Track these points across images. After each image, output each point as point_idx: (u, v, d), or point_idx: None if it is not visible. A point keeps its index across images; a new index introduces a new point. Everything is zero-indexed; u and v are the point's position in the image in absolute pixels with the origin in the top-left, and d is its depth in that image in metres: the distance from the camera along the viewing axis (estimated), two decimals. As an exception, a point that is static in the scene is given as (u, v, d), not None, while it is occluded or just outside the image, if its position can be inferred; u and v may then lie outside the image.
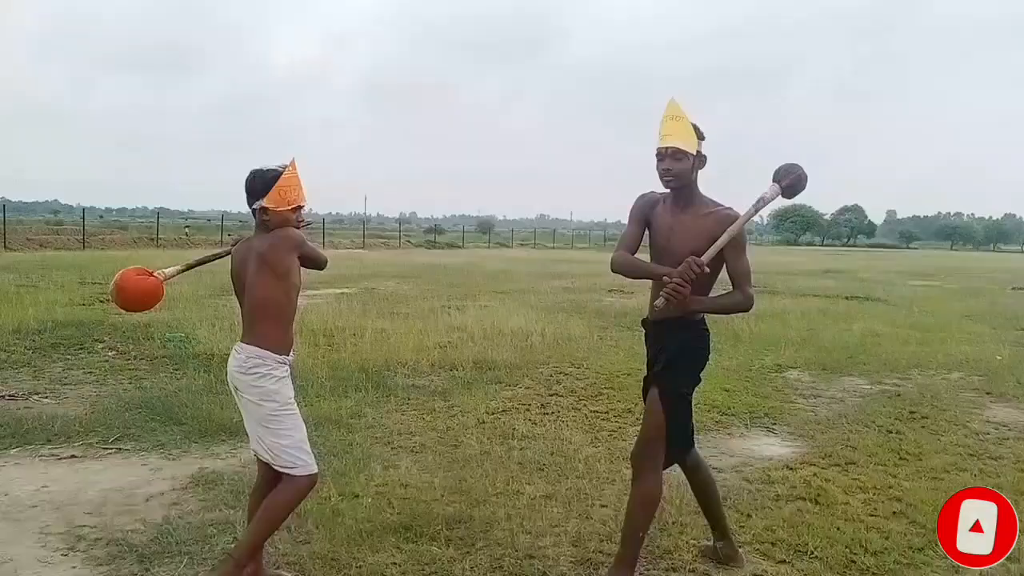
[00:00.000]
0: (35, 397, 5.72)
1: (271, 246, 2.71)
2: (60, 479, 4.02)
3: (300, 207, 2.78)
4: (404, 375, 6.77)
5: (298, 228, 2.79)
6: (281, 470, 2.71)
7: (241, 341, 2.78)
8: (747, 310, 2.91)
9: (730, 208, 2.86)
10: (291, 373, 2.81)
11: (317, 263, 2.92)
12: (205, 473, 4.15)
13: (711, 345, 3.07)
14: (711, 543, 3.27)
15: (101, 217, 70.87)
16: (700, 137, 2.86)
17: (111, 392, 5.90)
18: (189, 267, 3.22)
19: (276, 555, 3.12)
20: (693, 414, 3.12)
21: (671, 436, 2.96)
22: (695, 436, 3.20)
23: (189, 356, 7.18)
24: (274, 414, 2.70)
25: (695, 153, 2.82)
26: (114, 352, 7.45)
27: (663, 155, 2.82)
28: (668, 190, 2.90)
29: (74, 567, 3.05)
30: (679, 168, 2.80)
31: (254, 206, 2.74)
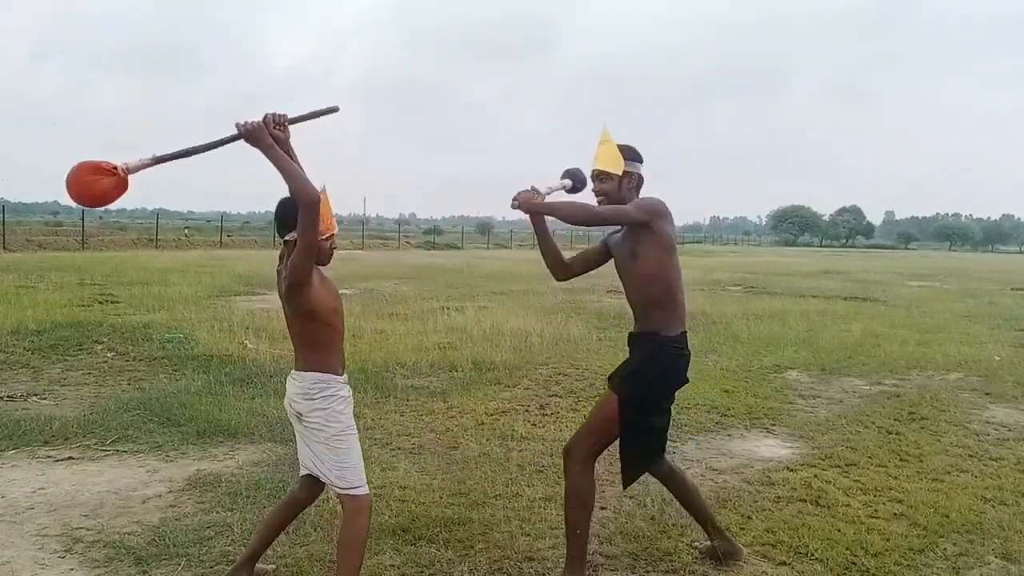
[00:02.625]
0: (33, 398, 5.71)
1: (286, 291, 2.66)
2: (57, 481, 4.01)
3: (333, 235, 2.73)
4: (403, 376, 6.76)
5: (331, 254, 2.75)
6: (343, 492, 2.68)
7: (296, 369, 2.73)
8: (588, 219, 3.02)
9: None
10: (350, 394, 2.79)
11: (314, 228, 2.52)
12: (203, 475, 4.13)
13: (687, 370, 3.12)
14: (711, 543, 3.26)
15: (100, 218, 70.65)
16: (632, 159, 3.10)
17: (109, 393, 5.88)
18: (162, 160, 2.57)
19: (273, 557, 3.11)
20: (662, 438, 3.12)
21: (623, 451, 3.03)
22: (663, 449, 3.18)
23: (188, 357, 7.16)
24: (340, 435, 2.67)
25: (620, 174, 3.07)
26: (113, 353, 7.44)
27: (593, 177, 3.13)
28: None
29: (71, 569, 3.04)
30: (605, 188, 3.09)
31: (289, 237, 2.62)
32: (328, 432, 2.66)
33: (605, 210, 3.04)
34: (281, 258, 2.71)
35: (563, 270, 3.31)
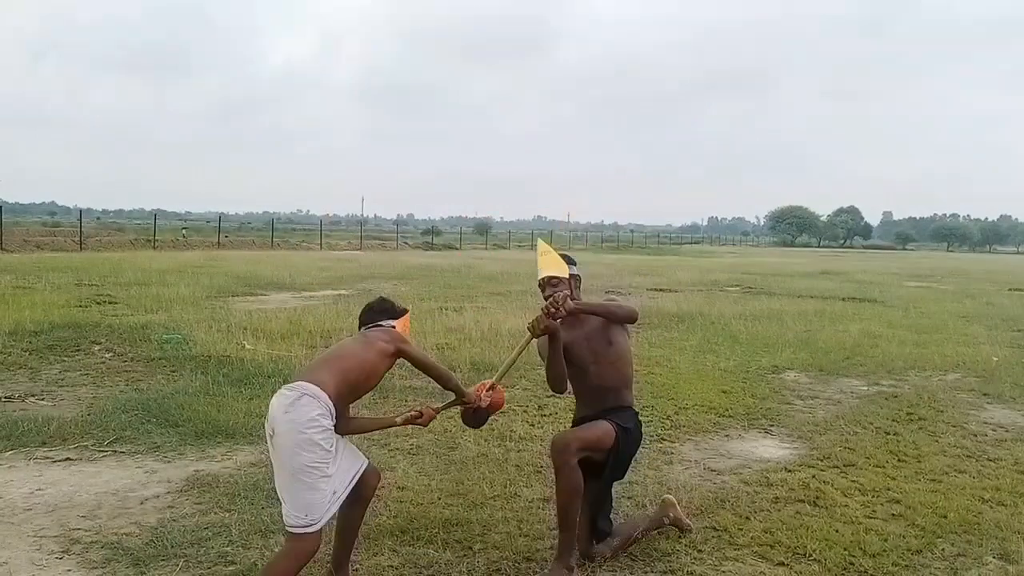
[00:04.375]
0: (31, 399, 5.70)
1: (395, 337, 2.94)
2: (55, 482, 4.00)
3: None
4: (401, 376, 6.75)
5: None
6: (291, 529, 2.57)
7: (305, 381, 2.64)
8: (632, 317, 3.39)
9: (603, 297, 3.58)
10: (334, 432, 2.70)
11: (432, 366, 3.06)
12: (200, 476, 4.13)
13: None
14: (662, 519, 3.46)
15: (98, 219, 70.70)
16: (571, 263, 3.44)
17: (107, 394, 5.88)
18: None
19: (272, 557, 3.10)
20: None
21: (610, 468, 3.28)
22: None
23: (186, 358, 7.15)
24: (310, 466, 2.54)
25: (568, 277, 3.36)
26: (111, 354, 7.43)
27: (543, 285, 3.35)
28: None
29: (69, 570, 3.04)
30: (558, 291, 3.29)
31: (384, 323, 3.02)
32: (299, 461, 2.54)
33: (629, 305, 3.44)
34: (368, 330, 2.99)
35: (565, 384, 3.42)
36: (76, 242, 30.22)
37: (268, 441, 2.66)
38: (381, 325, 3.01)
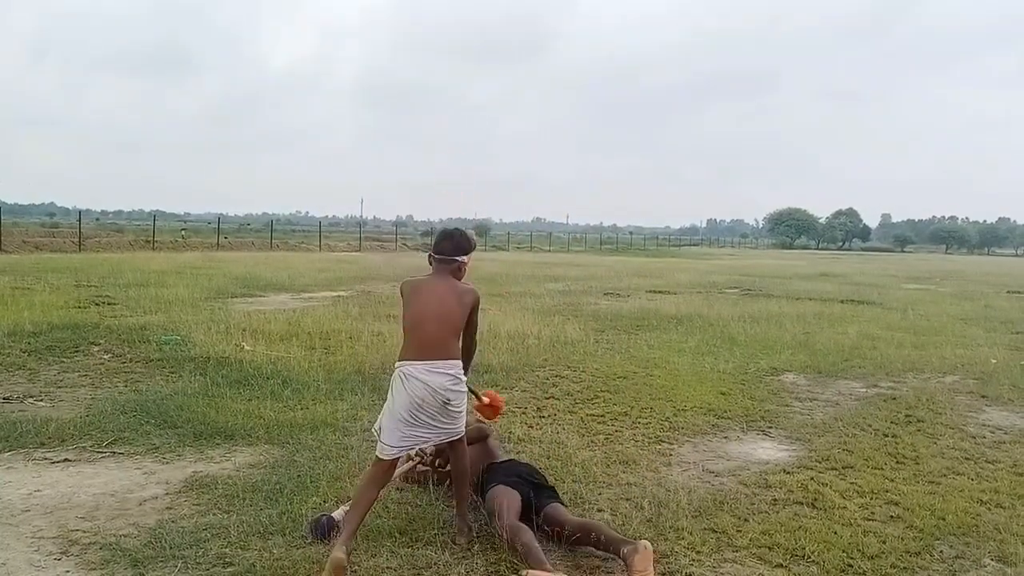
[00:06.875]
0: (29, 400, 5.69)
1: (477, 301, 3.45)
2: (53, 483, 4.00)
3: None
4: (400, 378, 6.74)
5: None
6: (457, 438, 3.38)
7: (441, 359, 3.24)
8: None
9: None
10: None
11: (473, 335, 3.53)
12: (199, 477, 4.12)
13: None
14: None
15: (97, 220, 70.61)
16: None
17: (106, 395, 5.87)
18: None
19: (270, 559, 3.10)
20: None
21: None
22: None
23: (184, 359, 7.15)
24: (463, 404, 3.35)
25: None
26: (109, 355, 7.42)
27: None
28: None
29: (67, 572, 3.03)
30: None
31: (460, 259, 3.47)
32: (460, 408, 3.30)
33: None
34: (443, 271, 3.47)
35: None
36: (75, 243, 30.21)
37: (430, 409, 3.23)
38: (456, 260, 3.44)
